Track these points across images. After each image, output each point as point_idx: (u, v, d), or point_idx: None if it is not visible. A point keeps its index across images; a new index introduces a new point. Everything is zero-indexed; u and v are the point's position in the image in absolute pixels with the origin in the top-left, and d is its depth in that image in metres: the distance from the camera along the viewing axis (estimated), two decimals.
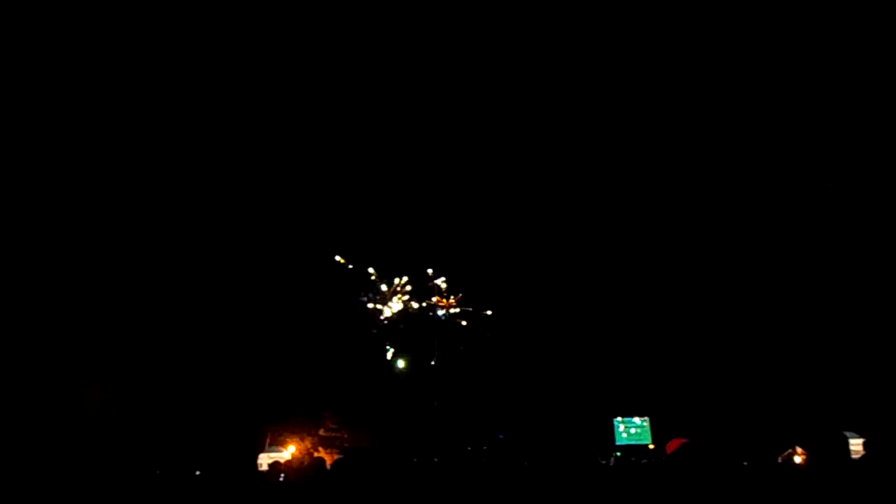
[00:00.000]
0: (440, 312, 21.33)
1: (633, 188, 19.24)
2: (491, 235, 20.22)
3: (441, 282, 21.27)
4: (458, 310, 21.39)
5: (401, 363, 20.99)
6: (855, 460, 4.38)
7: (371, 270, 20.89)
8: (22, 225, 15.76)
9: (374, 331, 20.88)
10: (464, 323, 21.38)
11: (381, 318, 21.23)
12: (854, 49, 14.75)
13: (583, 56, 17.23)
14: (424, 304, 21.33)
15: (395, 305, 21.28)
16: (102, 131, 16.69)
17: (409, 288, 21.29)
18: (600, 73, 17.61)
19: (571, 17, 16.65)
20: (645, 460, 16.31)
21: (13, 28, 14.49)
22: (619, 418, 19.89)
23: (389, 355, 20.92)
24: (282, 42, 16.94)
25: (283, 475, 7.10)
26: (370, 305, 21.11)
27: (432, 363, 20.91)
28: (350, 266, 20.90)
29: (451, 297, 21.51)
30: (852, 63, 15.00)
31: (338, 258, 20.72)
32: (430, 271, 21.20)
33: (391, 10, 16.39)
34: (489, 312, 21.53)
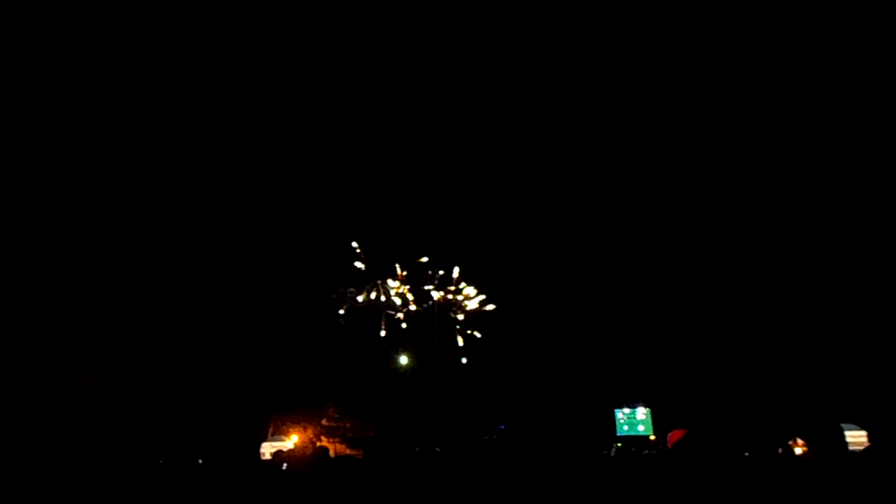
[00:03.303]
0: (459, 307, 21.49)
1: (632, 181, 19.21)
2: (490, 226, 20.20)
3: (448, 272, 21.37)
4: (470, 302, 21.50)
5: (403, 360, 21.14)
6: (855, 452, 4.41)
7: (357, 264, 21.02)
8: (25, 221, 15.81)
9: (348, 313, 21.10)
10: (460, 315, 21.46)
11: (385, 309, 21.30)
12: (854, 49, 14.70)
13: (586, 52, 17.18)
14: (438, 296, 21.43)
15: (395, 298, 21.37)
16: (102, 131, 16.70)
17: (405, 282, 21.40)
18: (603, 71, 17.56)
19: (572, 17, 16.60)
20: (646, 451, 16.39)
21: (13, 28, 14.48)
22: (620, 409, 19.95)
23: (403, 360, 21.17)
24: (279, 41, 16.90)
25: (285, 464, 7.16)
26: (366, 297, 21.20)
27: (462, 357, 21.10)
28: (358, 263, 20.97)
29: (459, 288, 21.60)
30: (852, 63, 14.95)
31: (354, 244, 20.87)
32: (424, 259, 21.26)
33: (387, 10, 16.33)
34: (491, 306, 21.59)
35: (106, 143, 16.92)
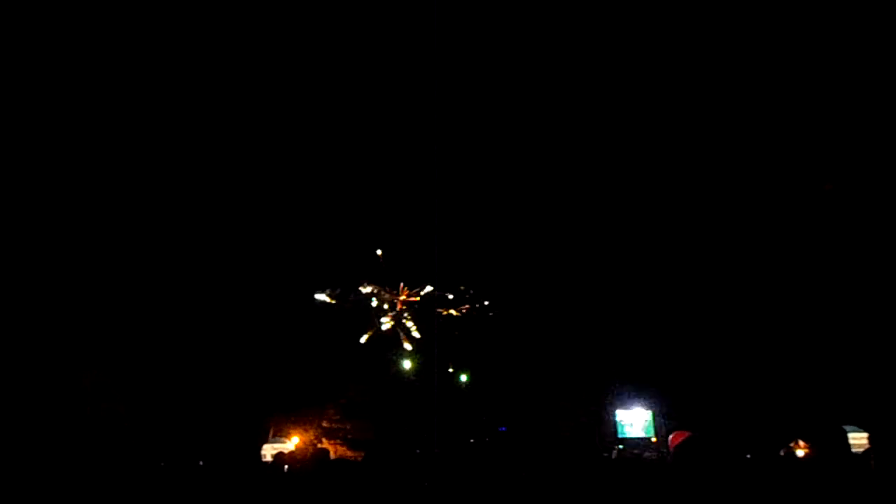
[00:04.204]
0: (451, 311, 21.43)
1: (634, 182, 19.20)
2: (486, 223, 20.17)
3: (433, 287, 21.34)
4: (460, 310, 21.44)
5: (407, 364, 21.15)
6: (857, 454, 4.40)
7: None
8: (24, 221, 15.82)
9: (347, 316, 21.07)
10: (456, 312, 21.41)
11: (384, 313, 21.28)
12: (854, 49, 14.69)
13: (582, 53, 17.17)
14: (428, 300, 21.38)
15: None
16: (103, 131, 16.71)
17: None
18: (600, 71, 17.55)
19: (571, 17, 16.60)
20: (647, 454, 16.37)
21: (13, 28, 14.50)
22: (621, 411, 19.91)
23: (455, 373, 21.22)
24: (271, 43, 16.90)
25: (286, 466, 7.15)
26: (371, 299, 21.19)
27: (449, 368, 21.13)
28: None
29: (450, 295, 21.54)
30: (852, 63, 14.94)
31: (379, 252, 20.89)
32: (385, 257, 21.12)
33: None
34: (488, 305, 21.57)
35: (107, 144, 16.93)
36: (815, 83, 15.74)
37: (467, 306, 21.48)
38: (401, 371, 20.97)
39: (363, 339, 21.05)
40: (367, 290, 21.29)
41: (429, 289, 21.47)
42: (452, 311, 21.38)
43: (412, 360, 21.06)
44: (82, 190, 16.79)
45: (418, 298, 21.30)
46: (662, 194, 19.01)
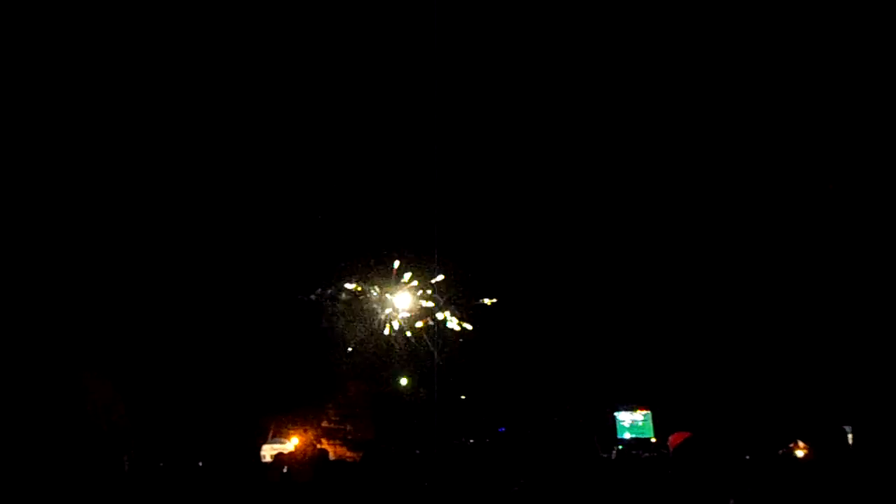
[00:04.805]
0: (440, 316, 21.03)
1: (634, 181, 19.20)
2: (488, 225, 20.14)
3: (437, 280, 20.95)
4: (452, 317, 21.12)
5: (403, 381, 20.72)
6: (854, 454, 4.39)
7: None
8: (23, 223, 15.81)
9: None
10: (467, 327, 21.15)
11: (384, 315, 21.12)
12: (854, 49, 14.69)
13: (582, 51, 17.17)
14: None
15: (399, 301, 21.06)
16: (101, 131, 16.70)
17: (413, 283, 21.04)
18: (600, 69, 17.54)
19: (571, 17, 16.60)
20: (647, 454, 16.36)
21: (13, 28, 14.49)
22: (621, 412, 19.91)
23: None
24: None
25: (286, 467, 7.16)
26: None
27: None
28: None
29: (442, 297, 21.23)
30: (852, 63, 14.94)
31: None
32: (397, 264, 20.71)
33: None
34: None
35: (104, 144, 16.93)
36: (816, 83, 15.75)
37: (469, 318, 21.11)
38: (399, 388, 20.62)
39: (350, 349, 20.21)
40: (354, 287, 20.50)
41: (429, 291, 21.29)
42: (456, 322, 21.04)
43: (409, 379, 20.66)
44: (81, 191, 16.80)
45: (419, 301, 20.98)
46: (662, 194, 19.02)
